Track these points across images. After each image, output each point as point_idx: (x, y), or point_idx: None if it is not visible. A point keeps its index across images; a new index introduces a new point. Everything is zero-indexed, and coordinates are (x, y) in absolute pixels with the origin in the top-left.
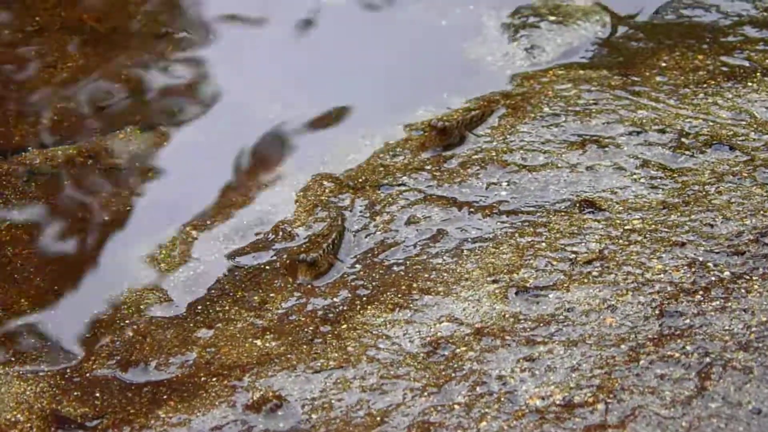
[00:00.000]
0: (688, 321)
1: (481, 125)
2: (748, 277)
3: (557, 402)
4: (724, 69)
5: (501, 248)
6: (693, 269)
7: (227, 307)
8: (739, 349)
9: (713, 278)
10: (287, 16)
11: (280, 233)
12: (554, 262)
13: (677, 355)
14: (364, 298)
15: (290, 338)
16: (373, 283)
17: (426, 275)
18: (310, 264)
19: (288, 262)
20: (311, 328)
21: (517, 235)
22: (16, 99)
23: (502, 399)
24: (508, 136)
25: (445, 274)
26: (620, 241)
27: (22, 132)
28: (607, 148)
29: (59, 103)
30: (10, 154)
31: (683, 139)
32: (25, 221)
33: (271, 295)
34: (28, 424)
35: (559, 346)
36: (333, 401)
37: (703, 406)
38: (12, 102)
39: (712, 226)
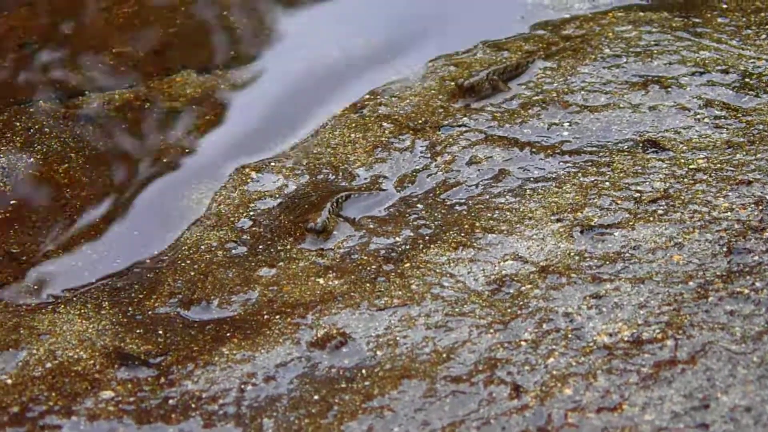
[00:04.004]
0: (756, 258)
1: (517, 76)
2: None
3: (625, 338)
4: None
5: (564, 188)
6: (760, 207)
7: (289, 246)
8: None
9: None
10: None
11: (341, 173)
12: (619, 201)
13: (747, 291)
14: (427, 237)
15: (353, 277)
16: (436, 223)
17: (489, 214)
18: (320, 231)
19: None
20: (374, 266)
21: (580, 174)
22: (73, 43)
23: (570, 336)
24: (568, 77)
25: (508, 213)
26: (685, 180)
27: (80, 76)
28: (669, 89)
29: (115, 47)
30: (68, 98)
31: (747, 80)
32: (83, 164)
33: (333, 234)
34: (91, 361)
35: (625, 283)
36: (398, 338)
37: None
38: (69, 46)
39: None
